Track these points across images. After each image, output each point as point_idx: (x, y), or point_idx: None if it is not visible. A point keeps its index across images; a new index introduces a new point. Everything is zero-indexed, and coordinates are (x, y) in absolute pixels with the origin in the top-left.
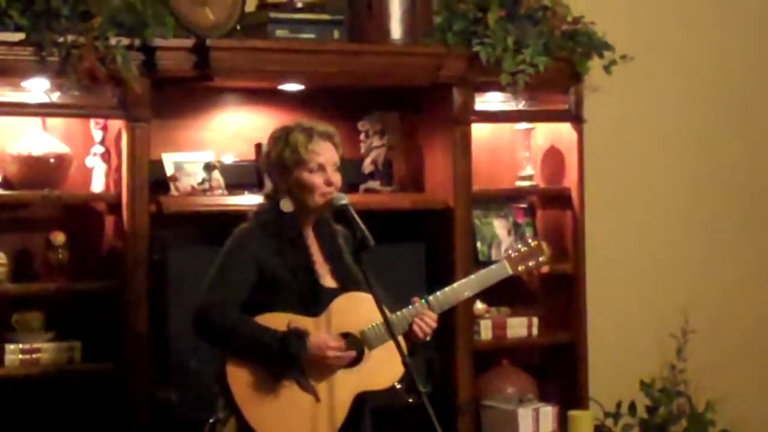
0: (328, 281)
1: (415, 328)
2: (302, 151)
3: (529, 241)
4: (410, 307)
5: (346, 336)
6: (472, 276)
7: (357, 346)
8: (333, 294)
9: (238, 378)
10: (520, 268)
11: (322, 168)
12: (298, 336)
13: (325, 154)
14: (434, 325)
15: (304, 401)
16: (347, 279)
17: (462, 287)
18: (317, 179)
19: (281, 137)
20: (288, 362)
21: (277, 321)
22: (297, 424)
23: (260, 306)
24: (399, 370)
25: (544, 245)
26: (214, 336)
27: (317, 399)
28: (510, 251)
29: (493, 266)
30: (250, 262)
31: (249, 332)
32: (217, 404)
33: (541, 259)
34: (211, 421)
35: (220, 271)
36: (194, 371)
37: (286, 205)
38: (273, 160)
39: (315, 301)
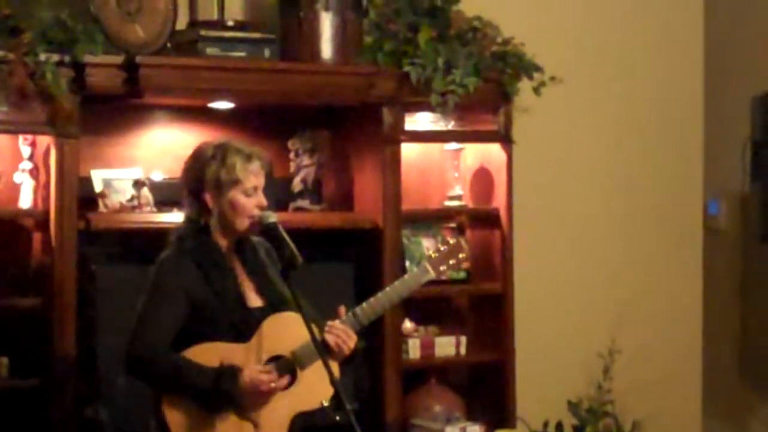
0: (254, 300)
1: (332, 344)
2: (240, 173)
3: (449, 239)
4: (336, 321)
5: (277, 359)
6: (396, 282)
7: (289, 368)
8: (260, 314)
9: (174, 410)
10: (441, 268)
11: (255, 191)
12: (231, 374)
13: (259, 177)
14: (353, 336)
15: (243, 429)
16: (272, 295)
17: (387, 295)
18: (251, 202)
19: (216, 156)
20: (223, 400)
21: (208, 354)
22: None
23: (190, 334)
24: (332, 388)
25: (462, 242)
26: (147, 378)
27: (256, 426)
28: (430, 252)
29: (415, 270)
30: (179, 294)
31: (181, 374)
32: None
33: (461, 256)
34: None
35: (149, 308)
36: (123, 389)
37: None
38: (207, 178)
39: (244, 325)
